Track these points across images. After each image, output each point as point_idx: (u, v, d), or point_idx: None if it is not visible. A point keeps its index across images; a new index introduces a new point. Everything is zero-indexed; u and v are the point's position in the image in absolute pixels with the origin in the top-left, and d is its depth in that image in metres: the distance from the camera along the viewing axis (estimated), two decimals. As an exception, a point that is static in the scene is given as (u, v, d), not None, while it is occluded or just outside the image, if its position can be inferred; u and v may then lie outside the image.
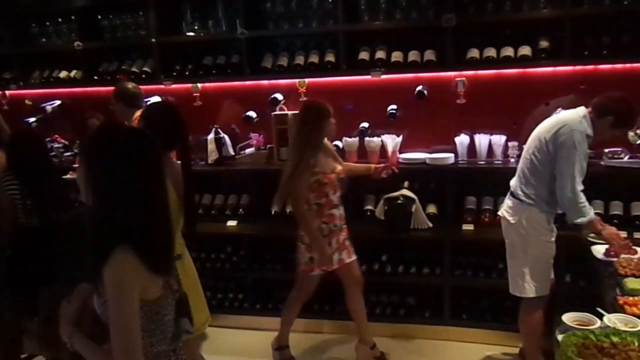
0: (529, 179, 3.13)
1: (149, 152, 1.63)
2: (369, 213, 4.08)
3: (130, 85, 3.84)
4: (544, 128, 3.11)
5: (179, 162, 2.66)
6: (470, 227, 3.91)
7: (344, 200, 4.25)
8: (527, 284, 3.13)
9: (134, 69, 4.57)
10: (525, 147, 3.23)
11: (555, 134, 3.00)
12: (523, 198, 3.13)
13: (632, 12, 3.64)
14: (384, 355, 3.68)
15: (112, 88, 3.91)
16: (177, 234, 2.63)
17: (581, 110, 3.07)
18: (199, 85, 4.53)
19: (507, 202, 3.26)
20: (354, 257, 3.56)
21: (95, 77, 4.68)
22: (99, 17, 4.66)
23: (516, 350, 3.69)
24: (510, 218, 3.18)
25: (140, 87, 3.88)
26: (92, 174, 1.62)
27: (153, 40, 4.42)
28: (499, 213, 3.33)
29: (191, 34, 4.42)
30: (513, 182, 3.26)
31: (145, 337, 1.58)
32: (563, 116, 3.09)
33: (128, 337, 1.50)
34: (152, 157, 1.63)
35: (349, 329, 4.09)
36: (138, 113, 3.31)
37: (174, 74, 4.47)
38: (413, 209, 3.86)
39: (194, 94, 4.54)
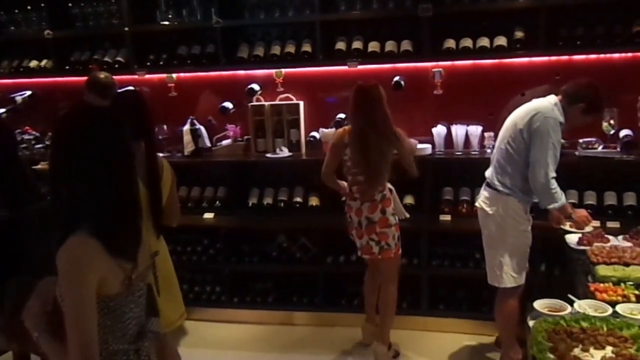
0: (505, 168, 3.14)
1: (114, 133, 1.56)
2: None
3: (102, 75, 3.77)
4: (517, 117, 3.12)
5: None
6: (447, 217, 3.93)
7: (321, 191, 4.26)
8: (504, 274, 3.14)
9: (106, 59, 4.47)
10: (499, 137, 3.24)
11: (529, 121, 3.01)
12: (500, 188, 3.14)
13: (604, 4, 3.68)
14: (398, 352, 3.66)
15: (84, 78, 3.82)
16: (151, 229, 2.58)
17: (552, 98, 3.09)
18: (174, 75, 4.45)
19: (484, 192, 3.27)
20: None
21: (67, 67, 4.56)
22: (70, 4, 4.53)
23: (493, 339, 3.72)
24: (487, 209, 3.19)
25: (114, 77, 3.81)
26: (54, 155, 1.56)
27: (126, 29, 4.32)
28: (476, 204, 3.33)
29: (165, 23, 4.33)
30: (488, 173, 3.27)
31: (101, 334, 1.51)
32: (535, 104, 3.10)
33: (83, 326, 1.43)
34: (117, 139, 1.57)
35: (327, 320, 4.10)
36: None
37: (148, 63, 4.38)
38: (390, 200, 3.85)
39: (169, 85, 4.46)
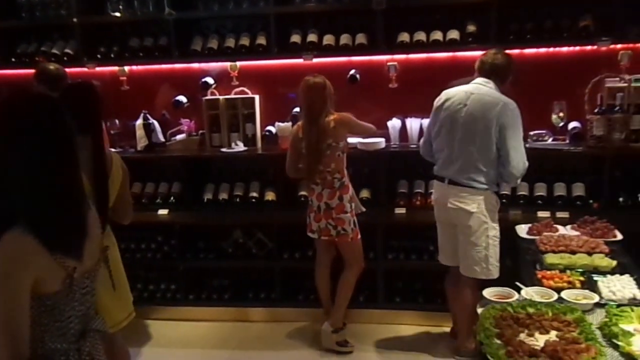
0: (477, 166, 3.09)
1: (55, 120, 1.49)
2: (302, 199, 4.04)
3: (52, 66, 3.62)
4: (478, 113, 3.04)
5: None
6: (402, 210, 3.94)
7: (277, 186, 4.22)
8: (491, 266, 3.14)
9: (54, 51, 4.30)
10: (457, 137, 3.12)
11: (497, 115, 3.00)
12: (477, 185, 3.11)
13: (552, -1, 3.77)
14: (347, 343, 3.67)
15: (31, 71, 3.67)
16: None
17: (490, 83, 3.13)
18: (126, 68, 4.33)
19: (458, 192, 3.15)
20: None
21: (13, 59, 4.38)
22: (15, -6, 4.36)
23: (448, 330, 3.75)
24: (468, 207, 3.11)
25: (62, 69, 3.67)
26: None
27: (75, 20, 4.17)
28: (449, 205, 3.19)
29: (116, 14, 4.21)
30: (454, 173, 3.17)
31: (37, 332, 1.46)
32: (490, 96, 3.06)
33: (12, 327, 1.37)
34: (58, 126, 1.49)
35: (283, 316, 4.06)
36: None
37: (98, 56, 4.24)
38: (347, 194, 3.85)
39: (121, 78, 4.34)
